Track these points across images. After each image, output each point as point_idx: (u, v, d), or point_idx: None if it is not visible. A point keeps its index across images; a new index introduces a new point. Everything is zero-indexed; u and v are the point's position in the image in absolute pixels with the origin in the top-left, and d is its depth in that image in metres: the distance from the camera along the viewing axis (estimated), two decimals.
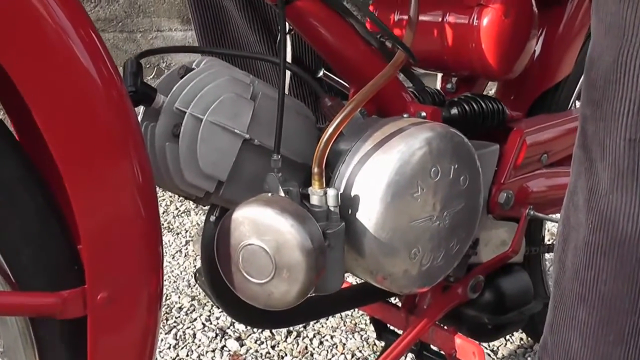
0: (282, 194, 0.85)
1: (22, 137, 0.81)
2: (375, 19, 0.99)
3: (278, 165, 0.87)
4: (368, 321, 1.95)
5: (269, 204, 0.81)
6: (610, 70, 0.79)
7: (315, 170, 0.86)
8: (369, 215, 0.89)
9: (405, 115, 1.02)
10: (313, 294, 0.87)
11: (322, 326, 1.94)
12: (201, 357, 1.80)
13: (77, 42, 0.69)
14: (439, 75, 2.60)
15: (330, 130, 0.87)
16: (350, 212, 0.90)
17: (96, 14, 3.57)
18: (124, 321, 0.80)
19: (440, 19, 1.14)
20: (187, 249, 2.40)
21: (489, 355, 1.81)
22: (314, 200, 0.86)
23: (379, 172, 0.90)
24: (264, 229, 0.81)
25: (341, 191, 0.90)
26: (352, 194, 0.90)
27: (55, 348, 0.81)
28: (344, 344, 1.87)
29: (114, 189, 0.74)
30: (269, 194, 0.85)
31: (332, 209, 0.87)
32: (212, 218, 0.98)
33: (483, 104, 1.16)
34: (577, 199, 0.88)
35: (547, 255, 1.63)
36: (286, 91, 0.99)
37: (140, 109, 0.90)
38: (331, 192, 0.86)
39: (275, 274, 0.82)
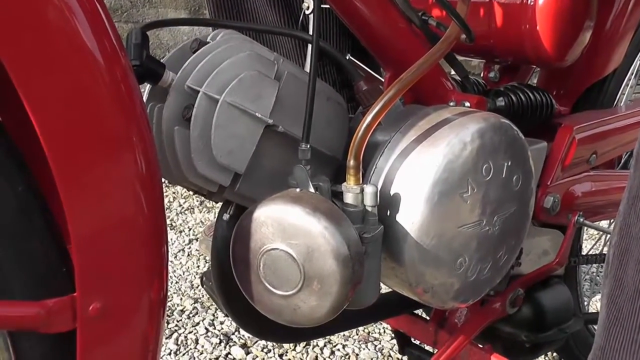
0: (312, 189, 0.75)
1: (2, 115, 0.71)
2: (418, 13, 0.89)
3: (307, 156, 0.77)
4: (382, 331, 1.89)
5: (298, 202, 0.71)
6: None
7: (352, 163, 0.76)
8: (411, 217, 0.79)
9: (451, 103, 0.91)
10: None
11: (334, 335, 1.85)
12: None
13: (75, 7, 0.60)
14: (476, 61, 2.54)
15: (369, 118, 0.76)
16: (389, 213, 0.80)
17: None
18: (121, 334, 0.71)
19: None
20: (190, 248, 2.32)
21: None
22: (349, 198, 0.76)
23: (424, 168, 0.80)
24: (292, 231, 0.71)
25: (379, 188, 0.80)
26: (392, 192, 0.80)
27: None
28: (357, 354, 1.80)
29: (111, 181, 0.65)
30: (297, 190, 0.75)
31: (369, 209, 0.77)
32: (226, 217, 0.87)
33: (532, 95, 1.07)
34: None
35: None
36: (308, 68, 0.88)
37: (146, 87, 0.80)
38: (369, 189, 0.75)
39: (304, 285, 0.72)
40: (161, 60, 0.79)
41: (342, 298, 0.72)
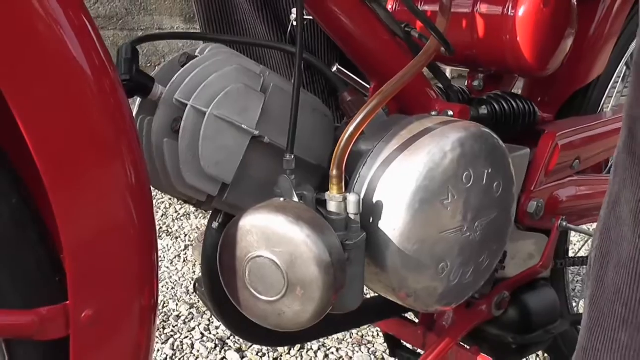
0: (296, 199, 0.77)
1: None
2: (408, 1, 0.90)
3: (291, 166, 0.79)
4: (376, 334, 1.91)
5: (281, 211, 0.73)
6: None
7: (334, 172, 0.78)
8: (393, 224, 0.81)
9: (433, 113, 0.94)
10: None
11: (328, 338, 1.88)
12: None
13: (63, 21, 0.62)
14: (448, 70, 2.55)
15: (351, 128, 0.78)
16: (371, 220, 0.82)
17: (96, 10, 3.56)
18: (113, 340, 0.73)
19: (470, 10, 1.08)
20: (186, 254, 2.34)
21: None
22: (332, 207, 0.78)
23: (405, 176, 0.82)
24: (276, 239, 0.73)
25: (362, 196, 0.82)
26: (374, 200, 0.82)
27: None
28: (351, 357, 1.82)
29: (102, 191, 0.67)
30: (281, 199, 0.77)
31: (352, 217, 0.79)
32: (215, 225, 0.89)
33: (514, 103, 1.10)
34: (621, 210, 0.81)
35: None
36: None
37: (136, 101, 0.82)
38: (352, 197, 0.78)
39: (288, 291, 0.74)
40: (151, 75, 0.81)
41: (325, 303, 0.74)
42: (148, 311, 0.74)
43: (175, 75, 0.79)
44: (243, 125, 0.79)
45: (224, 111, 0.78)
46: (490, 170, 0.87)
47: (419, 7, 1.13)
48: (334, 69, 1.12)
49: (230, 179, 0.81)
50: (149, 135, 0.79)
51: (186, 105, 0.78)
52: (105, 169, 0.66)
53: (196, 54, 0.84)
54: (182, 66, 0.81)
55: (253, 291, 0.76)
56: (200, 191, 0.81)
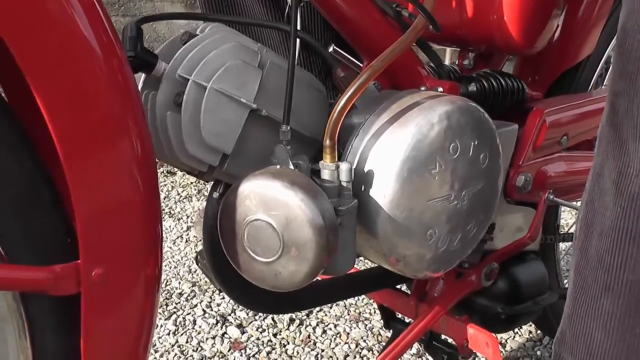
0: (291, 166, 0.81)
1: (11, 100, 0.76)
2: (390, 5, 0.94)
3: (287, 137, 0.82)
4: (373, 310, 1.94)
5: (277, 177, 0.77)
6: None
7: (327, 142, 0.82)
8: (383, 192, 0.85)
9: (422, 88, 0.97)
10: (322, 276, 0.82)
11: (326, 315, 1.92)
12: (201, 343, 1.78)
13: (75, 3, 0.65)
14: (447, 51, 2.57)
15: (343, 100, 0.82)
16: (363, 188, 0.86)
17: None
18: (120, 301, 0.77)
19: None
20: (188, 234, 2.38)
21: None
22: (325, 175, 0.82)
23: (394, 147, 0.85)
24: (272, 203, 0.77)
25: (354, 166, 0.86)
26: (366, 169, 0.86)
27: (47, 327, 0.78)
28: (348, 333, 1.85)
29: (110, 161, 0.71)
30: (277, 167, 0.81)
31: (344, 184, 0.83)
32: (216, 195, 0.93)
33: (503, 80, 1.13)
34: (604, 182, 0.84)
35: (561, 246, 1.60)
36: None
37: (140, 77, 0.85)
38: (344, 166, 0.82)
39: (283, 252, 0.78)
40: (154, 52, 0.85)
41: (318, 264, 0.78)
42: (152, 281, 0.78)
43: (177, 52, 0.83)
44: (242, 99, 0.83)
45: (223, 85, 0.82)
46: (476, 142, 0.90)
47: None
48: (330, 49, 1.16)
49: (230, 149, 0.84)
50: (153, 109, 0.83)
51: (188, 80, 0.81)
52: (113, 140, 0.70)
53: (197, 32, 0.87)
54: (184, 44, 0.85)
55: (251, 253, 0.80)
56: (202, 162, 0.84)
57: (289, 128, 0.82)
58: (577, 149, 1.29)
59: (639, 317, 0.81)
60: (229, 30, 0.88)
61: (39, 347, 0.78)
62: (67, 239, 0.74)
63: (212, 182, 0.95)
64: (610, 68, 0.85)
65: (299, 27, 0.94)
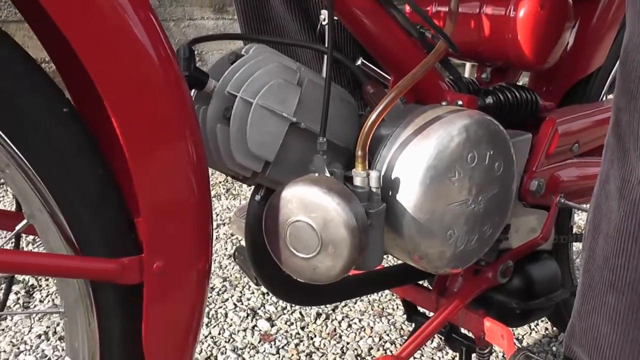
0: (327, 174, 0.89)
1: (80, 108, 0.84)
2: (419, 10, 1.03)
3: (323, 147, 0.91)
4: (395, 306, 2.00)
5: (316, 183, 0.86)
6: None
7: (359, 153, 0.90)
8: (408, 197, 0.93)
9: (443, 103, 1.06)
10: (352, 272, 0.91)
11: (351, 310, 1.99)
12: (233, 335, 1.85)
13: (141, 29, 0.74)
14: (467, 65, 2.64)
15: (373, 116, 0.91)
16: (390, 193, 0.94)
17: None
18: (176, 292, 0.85)
19: (477, 10, 1.17)
20: (218, 232, 2.46)
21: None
22: (357, 181, 0.91)
23: (418, 156, 0.93)
24: (312, 206, 0.85)
25: (382, 173, 0.94)
26: (393, 176, 0.94)
27: (113, 311, 0.86)
28: (372, 327, 1.91)
29: (171, 167, 0.79)
30: (316, 174, 0.89)
31: (374, 190, 0.91)
32: (258, 197, 1.01)
33: (517, 93, 1.19)
34: (609, 187, 0.90)
35: (574, 246, 1.66)
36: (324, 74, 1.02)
37: (193, 93, 0.94)
38: (374, 174, 0.90)
39: (321, 250, 0.87)
40: (205, 71, 0.95)
41: (351, 260, 0.86)
42: (203, 274, 0.86)
43: (226, 71, 0.92)
44: (283, 113, 0.91)
45: (267, 101, 0.90)
46: (492, 152, 0.98)
47: (433, 8, 1.23)
48: (358, 62, 1.25)
49: (272, 157, 0.93)
50: (204, 122, 0.91)
51: (236, 96, 0.90)
52: (172, 146, 0.78)
53: (242, 52, 0.96)
54: (232, 63, 0.93)
55: (292, 250, 0.88)
56: (247, 168, 0.93)
57: (325, 140, 0.90)
58: (590, 155, 1.34)
59: None
60: (271, 51, 0.97)
61: (105, 328, 0.87)
62: (132, 234, 0.83)
63: (254, 186, 1.03)
64: (615, 85, 0.91)
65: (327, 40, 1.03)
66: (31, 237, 2.29)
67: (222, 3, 3.98)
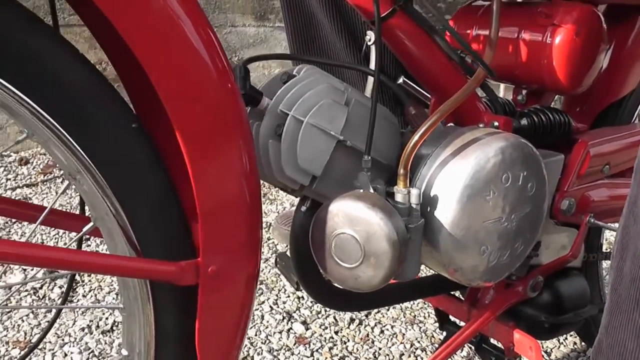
0: (371, 190, 0.95)
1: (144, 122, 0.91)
2: (460, 40, 1.08)
3: (368, 165, 0.96)
4: (427, 314, 2.05)
5: (361, 199, 0.92)
6: None
7: (401, 171, 0.96)
8: (446, 213, 0.99)
9: (480, 125, 1.11)
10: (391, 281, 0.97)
11: (383, 316, 2.04)
12: (269, 337, 1.91)
13: (204, 50, 0.81)
14: (502, 85, 2.68)
15: (415, 137, 0.97)
16: (429, 209, 1.00)
17: None
18: (228, 293, 0.92)
19: (515, 36, 1.21)
20: None
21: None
22: (399, 197, 0.97)
23: (456, 176, 0.99)
24: (356, 220, 0.91)
25: (422, 191, 1.00)
26: (432, 194, 1.00)
27: (168, 308, 0.93)
28: (404, 334, 1.96)
29: (227, 178, 0.86)
30: (360, 190, 0.95)
31: (414, 206, 0.97)
32: (304, 209, 1.07)
33: (551, 115, 1.24)
34: (637, 210, 0.93)
35: (604, 264, 1.70)
36: (369, 93, 1.08)
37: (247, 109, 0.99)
38: (414, 191, 0.96)
39: (364, 260, 0.93)
40: (259, 89, 1.01)
41: (391, 271, 0.92)
42: (252, 277, 0.93)
43: (279, 91, 0.98)
44: (331, 132, 0.97)
45: (317, 120, 0.96)
46: (525, 173, 1.03)
47: (473, 31, 1.28)
48: (400, 80, 1.31)
49: (319, 172, 0.98)
50: (257, 137, 0.97)
51: (288, 114, 0.96)
52: (229, 157, 0.85)
53: (294, 73, 1.02)
54: (284, 83, 1.00)
55: (337, 259, 0.94)
56: (296, 181, 0.99)
57: (369, 158, 0.96)
58: (621, 176, 1.38)
59: None
60: (321, 72, 1.03)
61: (161, 323, 0.94)
62: (188, 239, 0.90)
63: (300, 198, 1.09)
64: None
65: (372, 64, 1.09)
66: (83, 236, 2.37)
67: (264, 10, 4.03)
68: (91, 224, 0.93)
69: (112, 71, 0.90)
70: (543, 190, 1.09)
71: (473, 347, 1.44)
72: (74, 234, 1.06)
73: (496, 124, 1.15)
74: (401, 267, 0.95)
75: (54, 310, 1.98)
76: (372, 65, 1.06)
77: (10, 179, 3.04)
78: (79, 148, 0.81)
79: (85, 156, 0.81)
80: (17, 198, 2.83)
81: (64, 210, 2.53)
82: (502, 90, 2.79)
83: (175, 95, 0.80)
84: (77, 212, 1.07)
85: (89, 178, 0.84)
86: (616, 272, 0.97)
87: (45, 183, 3.00)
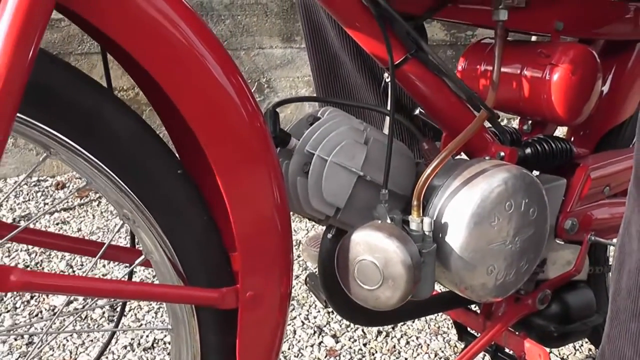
0: (388, 221, 1.06)
1: (183, 159, 0.99)
2: (464, 87, 1.18)
3: (385, 197, 1.07)
4: (450, 326, 2.14)
5: (379, 229, 1.03)
6: None
7: (415, 202, 1.07)
8: (455, 238, 1.09)
9: (486, 158, 1.22)
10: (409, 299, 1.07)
11: (409, 328, 2.13)
12: (301, 350, 2.01)
13: (237, 100, 0.91)
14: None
15: (428, 171, 1.08)
16: (441, 235, 1.10)
17: None
18: (264, 314, 1.02)
19: (519, 72, 1.30)
20: None
21: None
22: (413, 225, 1.07)
23: (464, 205, 1.09)
24: (376, 248, 1.02)
25: (434, 219, 1.11)
26: (443, 221, 1.10)
27: (212, 329, 1.03)
28: (428, 345, 2.05)
29: (261, 212, 0.96)
30: (379, 221, 1.06)
31: (427, 233, 1.07)
32: (329, 236, 1.19)
33: (553, 144, 1.34)
34: (631, 230, 1.02)
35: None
36: (386, 129, 1.19)
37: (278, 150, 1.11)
38: (427, 220, 1.07)
39: (383, 283, 1.03)
40: (287, 131, 1.12)
41: (407, 292, 1.02)
42: (285, 297, 1.02)
43: (305, 132, 1.09)
44: (352, 169, 1.08)
45: (339, 159, 1.07)
46: (527, 200, 1.13)
47: (482, 67, 1.37)
48: (416, 112, 1.43)
49: (342, 204, 1.09)
50: (287, 174, 1.08)
51: (313, 154, 1.07)
52: (262, 194, 0.95)
53: (319, 115, 1.14)
54: (310, 124, 1.11)
55: (359, 282, 1.05)
56: (322, 212, 1.10)
57: (387, 191, 1.07)
58: (623, 195, 1.43)
59: None
60: (343, 114, 1.14)
61: (205, 342, 1.04)
62: (228, 267, 1.00)
63: (327, 226, 1.20)
64: (635, 140, 1.02)
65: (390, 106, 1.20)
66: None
67: (290, 32, 4.13)
68: (142, 256, 1.05)
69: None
70: (544, 214, 1.19)
71: (489, 356, 1.54)
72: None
73: (502, 154, 1.25)
74: (416, 287, 1.05)
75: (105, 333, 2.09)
76: (389, 106, 1.17)
77: (47, 203, 3.16)
78: (132, 193, 0.92)
79: (137, 198, 0.93)
80: (55, 222, 2.95)
81: (103, 232, 2.65)
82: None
83: (213, 141, 0.90)
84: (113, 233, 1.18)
85: (141, 218, 0.95)
86: (615, 286, 1.06)
87: (82, 206, 3.11)
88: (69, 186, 3.36)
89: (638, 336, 1.01)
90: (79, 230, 2.88)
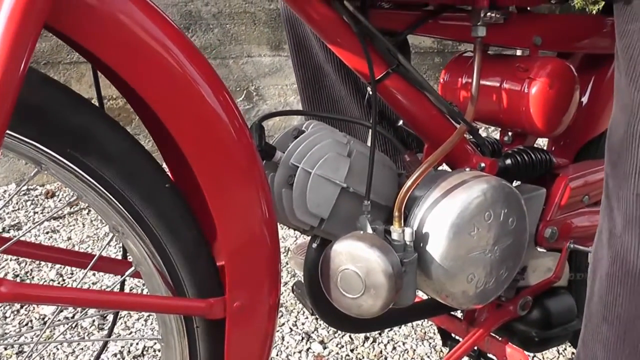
0: (370, 231, 1.09)
1: (175, 177, 1.03)
2: (443, 101, 1.22)
3: (368, 209, 1.10)
4: (436, 331, 2.17)
5: (361, 239, 1.06)
6: (623, 139, 0.99)
7: (396, 214, 1.11)
8: (436, 248, 1.12)
9: (467, 169, 1.25)
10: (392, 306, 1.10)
11: (396, 334, 2.16)
12: (289, 357, 2.04)
13: (227, 119, 0.93)
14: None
15: (408, 183, 1.12)
16: (422, 245, 1.13)
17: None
18: (251, 324, 1.04)
19: (498, 85, 1.33)
20: None
21: None
22: (394, 235, 1.11)
23: (444, 215, 1.12)
24: (358, 258, 1.04)
25: (415, 229, 1.14)
26: (424, 231, 1.13)
27: (200, 338, 1.06)
28: (414, 350, 2.09)
29: (248, 223, 0.98)
30: (361, 232, 1.09)
31: (408, 243, 1.10)
32: (314, 245, 1.21)
33: (533, 155, 1.37)
34: (602, 238, 1.06)
35: None
36: (369, 141, 1.22)
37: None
38: (408, 230, 1.10)
39: (365, 292, 1.05)
40: (272, 144, 1.15)
41: (389, 300, 1.05)
42: (273, 308, 1.04)
43: (290, 145, 1.12)
44: (336, 181, 1.10)
45: (323, 171, 1.09)
46: (506, 210, 1.17)
47: (463, 79, 1.40)
48: (400, 123, 1.46)
49: (326, 215, 1.11)
50: (272, 186, 1.11)
51: (298, 167, 1.09)
52: (251, 207, 0.96)
53: (303, 128, 1.16)
54: (294, 138, 1.13)
55: (342, 291, 1.08)
56: (306, 223, 1.12)
57: (369, 202, 1.09)
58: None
59: (627, 342, 1.01)
60: (327, 127, 1.17)
61: (193, 351, 1.06)
62: (216, 278, 1.02)
63: (311, 236, 1.23)
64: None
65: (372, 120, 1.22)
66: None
67: (278, 41, 4.17)
68: (132, 268, 1.07)
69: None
70: (523, 224, 1.23)
71: None
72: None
73: (483, 165, 1.28)
74: (398, 295, 1.08)
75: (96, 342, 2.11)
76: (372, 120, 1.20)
77: (37, 212, 3.18)
78: (121, 207, 0.94)
79: (126, 212, 0.95)
80: (44, 231, 2.97)
81: (93, 239, 2.67)
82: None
83: (200, 156, 0.92)
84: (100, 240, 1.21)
85: (130, 231, 0.97)
86: (589, 291, 1.10)
87: (72, 215, 3.14)
88: (58, 195, 3.38)
89: (608, 339, 1.04)
90: (69, 239, 2.90)
